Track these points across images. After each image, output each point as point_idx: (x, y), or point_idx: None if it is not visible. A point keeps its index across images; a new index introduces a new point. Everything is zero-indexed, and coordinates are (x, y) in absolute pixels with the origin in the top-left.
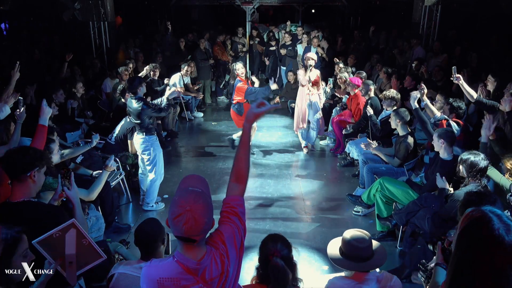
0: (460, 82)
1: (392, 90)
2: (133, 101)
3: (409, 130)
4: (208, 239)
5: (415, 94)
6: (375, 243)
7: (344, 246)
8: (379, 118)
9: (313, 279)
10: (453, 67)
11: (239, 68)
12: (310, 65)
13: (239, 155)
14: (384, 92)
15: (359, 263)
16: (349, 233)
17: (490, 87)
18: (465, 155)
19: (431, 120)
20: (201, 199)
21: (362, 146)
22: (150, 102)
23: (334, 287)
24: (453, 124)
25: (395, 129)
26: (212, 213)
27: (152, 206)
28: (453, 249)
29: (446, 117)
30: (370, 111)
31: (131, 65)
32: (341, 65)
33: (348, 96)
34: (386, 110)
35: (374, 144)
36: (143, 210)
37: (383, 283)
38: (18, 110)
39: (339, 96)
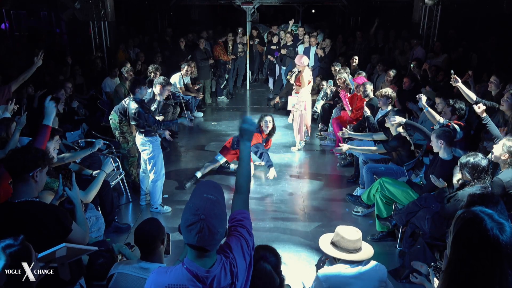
0: (458, 84)
1: (387, 88)
2: (131, 103)
3: (402, 131)
4: (218, 249)
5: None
6: (363, 242)
7: (336, 237)
8: (376, 118)
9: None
10: (451, 70)
11: (269, 121)
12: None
13: (239, 169)
14: (379, 91)
15: (349, 254)
16: (341, 228)
17: (494, 88)
18: (463, 159)
19: (436, 127)
20: (216, 208)
21: (337, 150)
22: (149, 110)
23: (324, 278)
24: (456, 127)
25: None
26: (226, 223)
27: (157, 208)
28: (448, 253)
29: (448, 121)
30: (367, 112)
31: (129, 65)
32: (337, 67)
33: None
34: (382, 109)
35: (347, 132)
36: (143, 209)
37: (368, 267)
38: (18, 116)
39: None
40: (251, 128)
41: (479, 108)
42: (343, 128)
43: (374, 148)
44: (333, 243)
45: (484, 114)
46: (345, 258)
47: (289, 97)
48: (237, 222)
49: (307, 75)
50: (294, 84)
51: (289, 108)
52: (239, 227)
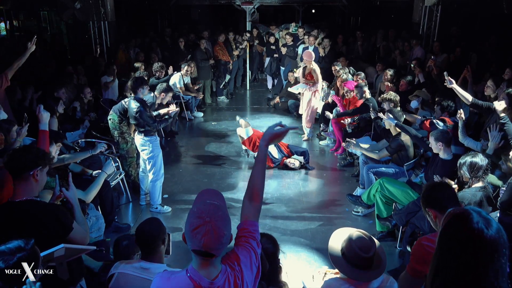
0: (453, 86)
1: (390, 92)
2: (132, 102)
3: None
4: (225, 258)
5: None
6: (378, 251)
7: (347, 249)
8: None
9: (311, 279)
10: (444, 72)
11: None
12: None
13: (254, 172)
14: (382, 95)
15: (359, 271)
16: (354, 237)
17: (490, 92)
18: (463, 159)
19: (416, 124)
20: (220, 211)
21: (343, 144)
22: (150, 111)
23: None
24: (438, 122)
25: None
26: (231, 227)
27: (157, 208)
28: (436, 246)
29: (425, 117)
30: (373, 115)
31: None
32: (338, 67)
33: (334, 93)
34: None
35: (354, 141)
36: (143, 209)
37: (379, 286)
38: (19, 127)
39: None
40: (283, 136)
41: (500, 106)
42: (347, 139)
43: (377, 156)
44: (343, 254)
45: (503, 114)
46: (350, 276)
47: (294, 88)
48: (249, 234)
49: (319, 70)
50: (304, 79)
51: (295, 91)
52: (250, 239)
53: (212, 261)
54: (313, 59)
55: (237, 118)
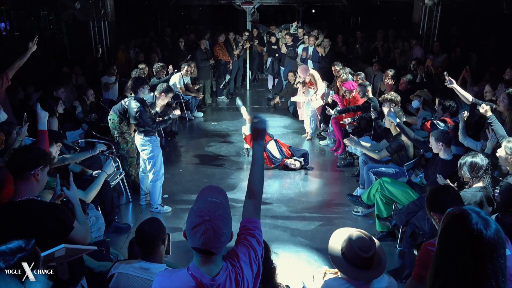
0: (454, 86)
1: (391, 92)
2: (132, 102)
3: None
4: (226, 255)
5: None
6: (378, 251)
7: (347, 249)
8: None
9: (311, 279)
10: (444, 72)
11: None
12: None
13: (252, 172)
14: (383, 96)
15: (359, 271)
16: (354, 237)
17: (489, 96)
18: (463, 159)
19: (418, 125)
20: (220, 209)
21: (346, 141)
22: (151, 112)
23: None
24: (439, 123)
25: None
26: (231, 225)
27: (157, 208)
28: (436, 246)
29: (425, 119)
30: (373, 115)
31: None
32: (338, 67)
33: (334, 93)
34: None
35: (355, 138)
36: (143, 209)
37: (387, 286)
38: (19, 126)
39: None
40: (264, 127)
41: (483, 109)
42: (350, 135)
43: (377, 156)
44: (343, 254)
45: (489, 114)
46: (350, 276)
47: (297, 97)
48: (247, 231)
49: (318, 75)
50: (305, 87)
51: (299, 100)
52: (249, 236)
53: (212, 258)
54: (308, 73)
55: (237, 101)
